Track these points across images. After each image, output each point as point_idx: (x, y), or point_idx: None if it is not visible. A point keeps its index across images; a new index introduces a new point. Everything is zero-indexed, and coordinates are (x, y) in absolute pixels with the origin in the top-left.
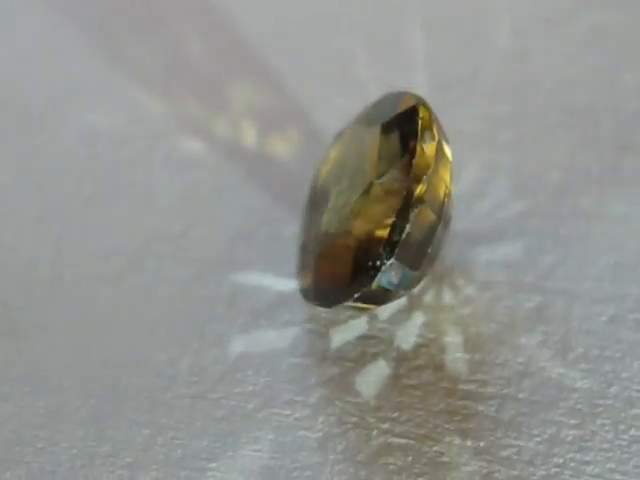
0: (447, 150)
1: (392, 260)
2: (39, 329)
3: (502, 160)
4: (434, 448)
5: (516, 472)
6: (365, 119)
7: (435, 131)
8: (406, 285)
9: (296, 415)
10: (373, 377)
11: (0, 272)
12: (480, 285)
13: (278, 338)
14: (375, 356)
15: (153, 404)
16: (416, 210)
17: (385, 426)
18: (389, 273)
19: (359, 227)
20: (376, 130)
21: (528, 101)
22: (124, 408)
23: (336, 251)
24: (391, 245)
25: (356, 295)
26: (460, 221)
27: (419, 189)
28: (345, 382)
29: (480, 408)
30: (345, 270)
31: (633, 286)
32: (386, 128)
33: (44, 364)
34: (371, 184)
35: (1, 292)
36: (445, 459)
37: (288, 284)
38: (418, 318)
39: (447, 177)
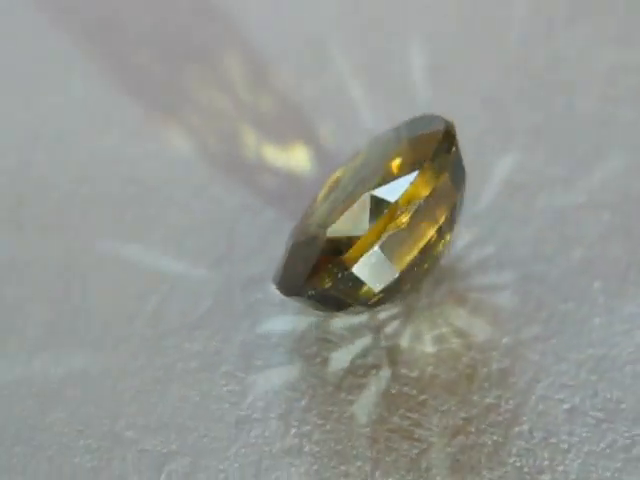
0: (454, 187)
1: (350, 272)
2: None
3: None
4: (341, 467)
5: None
6: (397, 132)
7: (447, 160)
8: (362, 300)
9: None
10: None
11: None
12: (456, 331)
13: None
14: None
15: None
16: (388, 234)
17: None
18: (344, 282)
19: (337, 228)
20: (401, 144)
21: None
22: None
23: (309, 244)
24: (351, 261)
25: (310, 293)
26: (457, 261)
27: (400, 219)
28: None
29: (403, 447)
30: (307, 265)
31: (608, 386)
32: (410, 143)
33: None
34: (365, 194)
35: None
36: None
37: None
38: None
39: (442, 215)
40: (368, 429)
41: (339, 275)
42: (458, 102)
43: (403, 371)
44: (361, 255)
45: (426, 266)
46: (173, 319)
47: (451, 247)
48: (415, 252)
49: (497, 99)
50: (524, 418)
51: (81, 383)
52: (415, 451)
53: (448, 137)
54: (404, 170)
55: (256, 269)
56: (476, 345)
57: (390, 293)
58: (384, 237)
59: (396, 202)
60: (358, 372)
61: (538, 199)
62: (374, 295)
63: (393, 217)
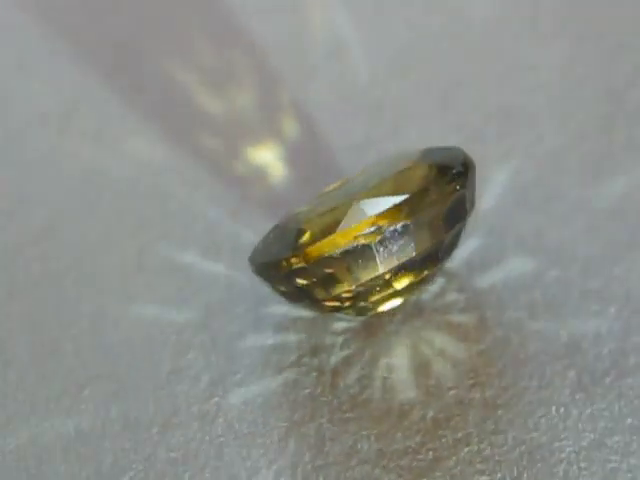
0: (445, 224)
1: (304, 265)
2: None
3: None
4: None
5: None
6: (418, 154)
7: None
8: (319, 298)
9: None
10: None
11: None
12: (407, 366)
13: None
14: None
15: None
16: (355, 244)
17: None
18: (297, 275)
19: (313, 223)
20: (418, 163)
21: None
22: None
23: (288, 230)
24: (311, 257)
25: (278, 285)
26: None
27: (372, 237)
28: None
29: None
30: (280, 253)
31: (534, 473)
32: (417, 167)
33: None
34: (351, 199)
35: None
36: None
37: None
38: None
39: (422, 247)
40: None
41: (295, 267)
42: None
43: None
44: (319, 255)
45: (398, 287)
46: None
47: (429, 282)
48: (381, 271)
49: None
50: (438, 473)
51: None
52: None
53: (457, 173)
54: (398, 190)
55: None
56: (424, 386)
57: (350, 302)
58: (349, 246)
59: (373, 217)
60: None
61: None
62: (327, 298)
63: (364, 229)
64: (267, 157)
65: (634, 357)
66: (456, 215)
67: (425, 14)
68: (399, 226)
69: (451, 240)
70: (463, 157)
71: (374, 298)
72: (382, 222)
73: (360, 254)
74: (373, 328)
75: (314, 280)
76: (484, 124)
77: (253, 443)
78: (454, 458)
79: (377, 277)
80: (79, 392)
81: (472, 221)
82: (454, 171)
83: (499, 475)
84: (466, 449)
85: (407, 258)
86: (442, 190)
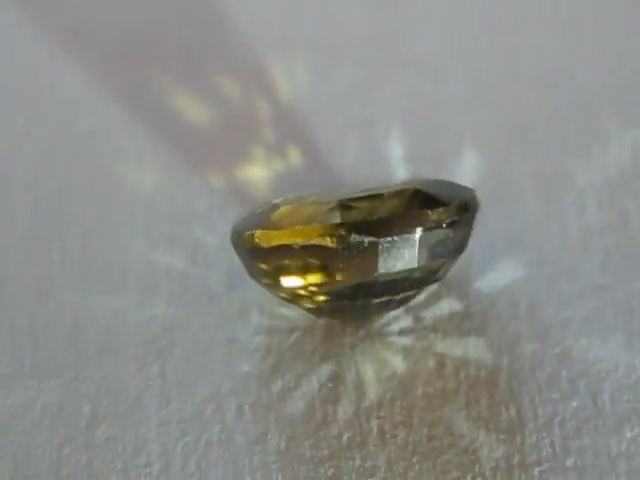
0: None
1: (263, 246)
2: None
3: None
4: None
5: None
6: (424, 182)
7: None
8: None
9: None
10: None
11: None
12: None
13: None
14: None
15: None
16: (309, 243)
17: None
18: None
19: (289, 211)
20: (414, 189)
21: None
22: None
23: (274, 208)
24: (270, 239)
25: (242, 257)
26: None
27: (335, 239)
28: None
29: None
30: (249, 226)
31: None
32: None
33: None
34: (341, 201)
35: None
36: None
37: None
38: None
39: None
40: None
41: (256, 244)
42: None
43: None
44: (268, 243)
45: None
46: None
47: (388, 308)
48: (337, 278)
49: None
50: None
51: None
52: None
53: (455, 209)
54: (377, 208)
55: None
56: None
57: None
58: (300, 242)
59: (338, 223)
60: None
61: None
62: (281, 288)
63: (326, 233)
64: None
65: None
66: (433, 251)
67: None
68: (367, 241)
69: (421, 275)
70: (468, 198)
71: (322, 302)
72: (351, 232)
73: (317, 254)
74: (332, 338)
75: (270, 264)
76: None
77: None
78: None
79: (328, 284)
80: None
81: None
82: (440, 209)
83: None
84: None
85: (364, 279)
86: (418, 220)
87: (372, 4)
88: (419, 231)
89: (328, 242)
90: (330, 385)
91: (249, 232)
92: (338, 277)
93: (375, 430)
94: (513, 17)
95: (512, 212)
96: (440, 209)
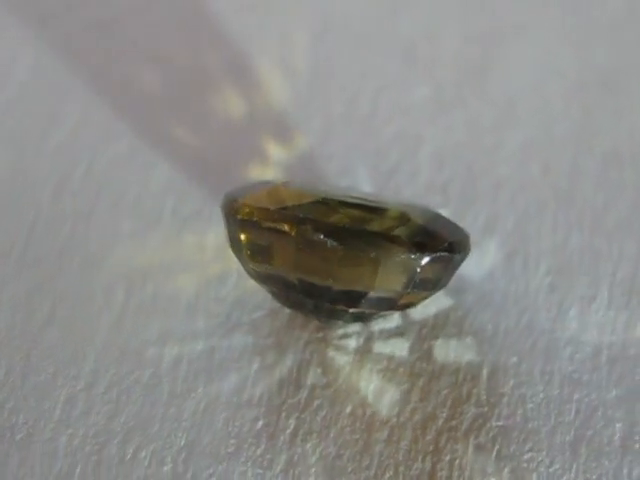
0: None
1: (238, 216)
2: None
3: None
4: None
5: None
6: (423, 212)
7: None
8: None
9: None
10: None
11: None
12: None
13: None
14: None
15: None
16: (282, 226)
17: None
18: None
19: (285, 194)
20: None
21: None
22: None
23: (269, 185)
24: (244, 211)
25: (226, 225)
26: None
27: (305, 231)
28: None
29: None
30: (236, 195)
31: None
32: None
33: None
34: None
35: None
36: None
37: None
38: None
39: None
40: None
41: (233, 214)
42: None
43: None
44: (242, 215)
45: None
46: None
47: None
48: (284, 273)
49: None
50: None
51: None
52: None
53: (420, 245)
54: (363, 222)
55: None
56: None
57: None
58: (265, 222)
59: (306, 218)
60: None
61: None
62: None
63: (291, 222)
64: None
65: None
66: (418, 287)
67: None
68: (329, 244)
69: (379, 296)
70: (458, 241)
71: (276, 290)
72: (317, 231)
73: (279, 240)
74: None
75: (242, 235)
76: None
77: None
78: None
79: (280, 271)
80: None
81: None
82: (412, 248)
83: None
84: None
85: (321, 282)
86: (389, 246)
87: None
88: (386, 256)
89: (286, 229)
90: (265, 370)
91: (232, 199)
92: (292, 270)
93: (289, 431)
94: None
95: None
96: (412, 248)
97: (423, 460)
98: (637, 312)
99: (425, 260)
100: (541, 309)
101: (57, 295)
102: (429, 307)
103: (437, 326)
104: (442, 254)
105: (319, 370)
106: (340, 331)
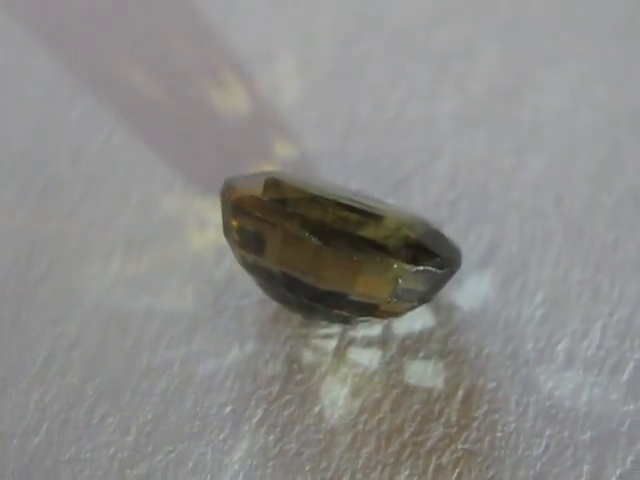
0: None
1: (231, 203)
2: None
3: None
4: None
5: None
6: (424, 227)
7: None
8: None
9: None
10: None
11: None
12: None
13: None
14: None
15: None
16: (263, 218)
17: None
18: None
19: (280, 185)
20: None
21: None
22: None
23: (272, 175)
24: (235, 198)
25: (222, 212)
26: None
27: (289, 223)
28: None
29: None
30: (235, 183)
31: None
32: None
33: None
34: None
35: None
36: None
37: None
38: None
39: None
40: None
41: (228, 201)
42: None
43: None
44: (234, 201)
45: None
46: None
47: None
48: (264, 264)
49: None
50: None
51: None
52: None
53: (432, 263)
54: (355, 225)
55: None
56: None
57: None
58: (254, 212)
59: (295, 213)
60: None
61: None
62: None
63: (287, 217)
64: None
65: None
66: (394, 293)
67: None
68: (315, 240)
69: (357, 300)
70: (447, 259)
71: (260, 279)
72: (305, 229)
73: (265, 231)
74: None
75: (234, 222)
76: None
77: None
78: None
79: (268, 273)
80: None
81: None
82: (397, 257)
83: None
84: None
85: (304, 278)
86: (375, 253)
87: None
88: (369, 261)
89: (273, 221)
90: (242, 358)
91: (230, 186)
92: (277, 263)
93: (255, 420)
94: None
95: None
96: (396, 262)
97: (382, 471)
98: (627, 356)
99: (409, 271)
100: (529, 339)
101: (56, 255)
102: (415, 320)
103: (420, 340)
104: (427, 268)
105: (295, 366)
106: (323, 331)
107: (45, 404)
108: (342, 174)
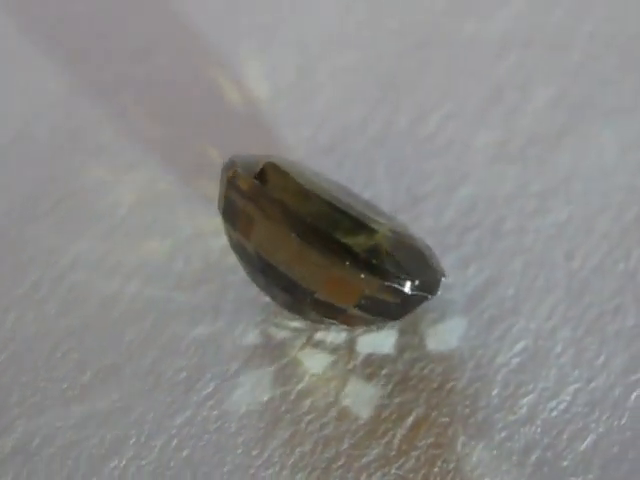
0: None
1: (228, 180)
2: None
3: None
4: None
5: None
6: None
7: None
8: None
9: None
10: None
11: None
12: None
13: None
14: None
15: None
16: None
17: None
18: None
19: (279, 171)
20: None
21: None
22: None
23: (274, 160)
24: (233, 176)
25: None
26: None
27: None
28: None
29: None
30: (237, 160)
31: None
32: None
33: None
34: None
35: None
36: None
37: None
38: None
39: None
40: None
41: (228, 178)
42: None
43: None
44: (233, 181)
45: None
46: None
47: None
48: (250, 249)
49: None
50: None
51: None
52: None
53: (403, 283)
54: (353, 235)
55: None
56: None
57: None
58: (250, 195)
59: (284, 205)
60: None
61: None
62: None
63: (271, 204)
64: None
65: None
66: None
67: None
68: (292, 233)
69: (322, 300)
70: (421, 282)
71: (243, 262)
72: (293, 229)
73: (250, 212)
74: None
75: (226, 200)
76: None
77: None
78: None
79: (247, 254)
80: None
81: None
82: (365, 269)
83: None
84: None
85: (276, 265)
86: (347, 264)
87: None
88: (338, 266)
89: (257, 204)
90: (210, 330)
91: (233, 162)
92: (254, 244)
93: (205, 392)
94: None
95: None
96: (369, 274)
97: (310, 473)
98: (591, 427)
99: (375, 284)
100: (497, 385)
101: (63, 194)
102: (387, 337)
103: (387, 358)
104: (395, 286)
105: (259, 351)
106: (295, 324)
107: (15, 330)
108: (362, 177)
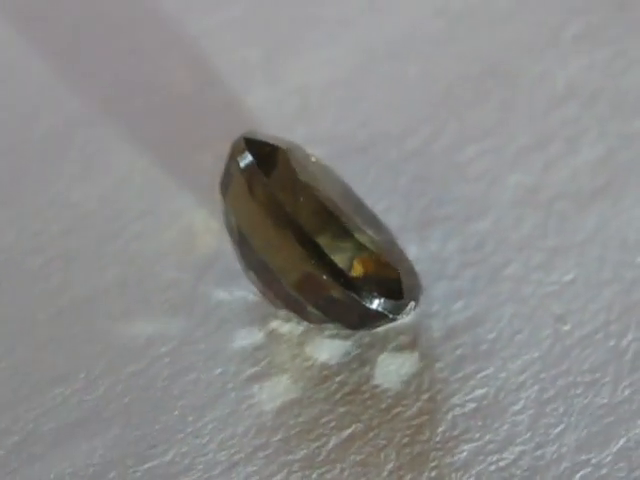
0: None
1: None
2: None
3: None
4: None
5: None
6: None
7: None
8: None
9: None
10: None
11: None
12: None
13: None
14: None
15: None
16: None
17: None
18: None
19: (292, 164)
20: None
21: None
22: None
23: (290, 144)
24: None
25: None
26: None
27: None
28: None
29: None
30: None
31: None
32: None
33: None
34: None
35: None
36: None
37: None
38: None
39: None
40: None
41: (232, 149)
42: None
43: None
44: (237, 158)
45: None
46: None
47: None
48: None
49: None
50: None
51: None
52: None
53: (363, 295)
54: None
55: None
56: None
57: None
58: (246, 175)
59: (278, 194)
60: None
61: None
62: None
63: (264, 187)
64: None
65: None
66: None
67: None
68: (267, 214)
69: (291, 291)
70: (385, 303)
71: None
72: (281, 225)
73: (243, 190)
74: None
75: (225, 170)
76: None
77: None
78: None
79: (230, 227)
80: None
81: None
82: (328, 273)
83: None
84: None
85: (253, 244)
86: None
87: None
88: (304, 262)
89: (250, 185)
90: (196, 310)
91: (242, 139)
92: (238, 218)
93: (190, 377)
94: None
95: None
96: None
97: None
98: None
99: (332, 289)
100: (444, 423)
101: (73, 177)
102: (353, 347)
103: (344, 368)
104: (352, 295)
105: (242, 331)
106: (283, 312)
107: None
108: (384, 187)
